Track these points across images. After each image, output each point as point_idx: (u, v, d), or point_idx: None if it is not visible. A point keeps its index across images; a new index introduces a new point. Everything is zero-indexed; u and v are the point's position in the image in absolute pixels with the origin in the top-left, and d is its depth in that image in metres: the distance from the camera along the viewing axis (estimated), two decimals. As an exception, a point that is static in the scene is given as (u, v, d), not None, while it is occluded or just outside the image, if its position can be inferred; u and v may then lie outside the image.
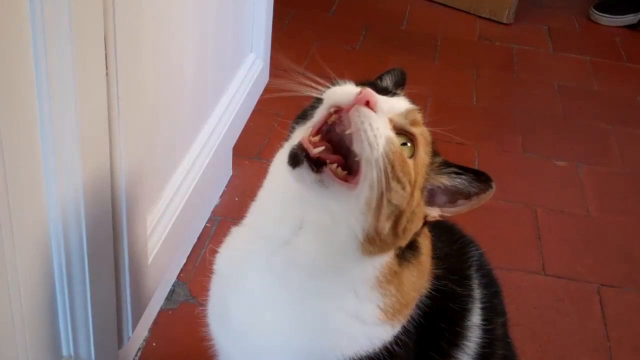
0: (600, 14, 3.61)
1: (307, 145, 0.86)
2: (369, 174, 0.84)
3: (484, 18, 3.50)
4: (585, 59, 3.25)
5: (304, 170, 0.86)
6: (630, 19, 3.59)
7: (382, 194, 0.86)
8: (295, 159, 0.86)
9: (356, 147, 0.85)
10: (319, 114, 0.89)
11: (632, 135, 2.71)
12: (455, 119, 2.62)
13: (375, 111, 0.86)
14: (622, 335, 1.78)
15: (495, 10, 3.47)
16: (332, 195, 0.87)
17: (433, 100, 2.72)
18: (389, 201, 0.87)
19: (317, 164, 0.86)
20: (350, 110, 0.85)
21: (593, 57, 3.27)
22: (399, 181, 0.87)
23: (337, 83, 0.93)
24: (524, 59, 3.19)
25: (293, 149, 0.87)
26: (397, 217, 0.89)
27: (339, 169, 0.86)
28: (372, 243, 0.90)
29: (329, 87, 0.91)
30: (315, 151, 0.86)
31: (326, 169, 0.86)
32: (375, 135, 0.84)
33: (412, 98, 1.00)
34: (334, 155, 0.87)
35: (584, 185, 2.36)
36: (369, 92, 0.86)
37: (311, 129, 0.88)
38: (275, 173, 0.98)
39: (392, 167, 0.86)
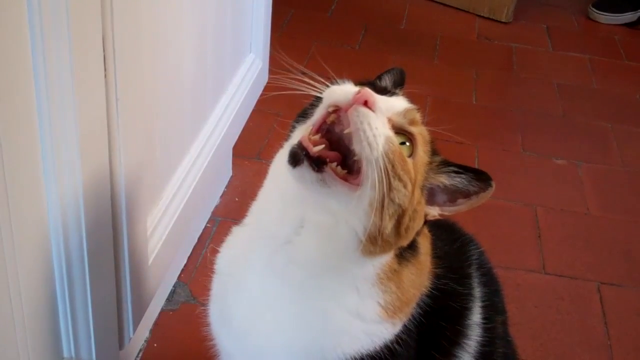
0: (599, 12, 3.61)
1: (307, 143, 0.86)
2: (370, 174, 0.85)
3: (483, 17, 3.50)
4: (584, 57, 3.25)
5: (305, 169, 0.86)
6: (629, 16, 3.59)
7: (385, 193, 0.86)
8: (295, 158, 0.86)
9: (355, 147, 0.85)
10: (318, 113, 0.89)
11: (631, 134, 2.71)
12: (454, 118, 2.62)
13: (373, 111, 0.86)
14: (623, 333, 1.78)
15: (494, 9, 3.47)
16: (333, 194, 0.87)
17: (432, 100, 2.72)
18: (392, 200, 0.87)
19: (317, 163, 0.86)
20: (349, 110, 0.85)
21: (592, 55, 3.27)
22: (400, 179, 0.87)
23: (336, 82, 0.93)
24: (523, 58, 3.19)
25: (293, 147, 0.87)
26: (400, 216, 0.89)
27: (339, 167, 0.86)
28: (374, 243, 0.90)
29: (328, 87, 0.91)
30: (316, 149, 0.86)
31: (327, 168, 0.86)
32: (374, 135, 0.84)
33: (412, 97, 1.00)
34: (332, 152, 0.87)
35: (583, 183, 2.36)
36: (368, 91, 0.86)
37: (311, 127, 0.89)
38: (276, 173, 0.98)
39: (393, 166, 0.86)
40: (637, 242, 2.13)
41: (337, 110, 0.87)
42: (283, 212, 0.95)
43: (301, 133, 0.90)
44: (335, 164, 0.86)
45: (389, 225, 0.89)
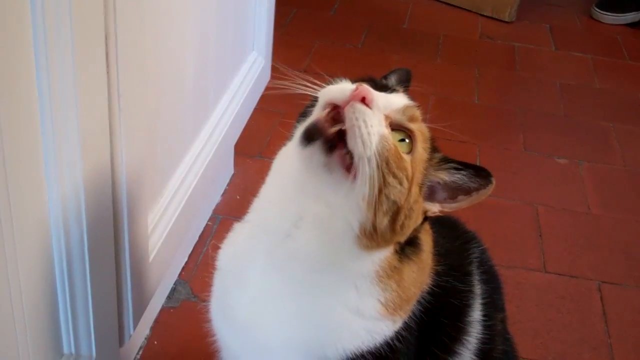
0: (602, 12, 3.61)
1: (322, 123, 0.86)
2: (363, 170, 0.85)
3: (486, 16, 3.50)
4: (587, 57, 3.25)
5: (316, 149, 0.86)
6: (632, 16, 3.59)
7: (380, 189, 0.86)
8: (310, 135, 0.87)
9: (349, 143, 0.85)
10: (315, 113, 0.90)
11: (633, 133, 2.70)
12: (457, 116, 2.61)
13: (370, 107, 0.86)
14: (623, 332, 1.78)
15: (497, 9, 3.47)
16: (332, 183, 0.88)
17: (435, 98, 2.72)
18: (387, 197, 0.87)
19: (330, 145, 0.86)
20: (345, 107, 0.85)
21: (595, 55, 3.27)
22: (395, 177, 0.87)
23: (332, 81, 0.93)
24: (526, 57, 3.19)
25: (309, 126, 0.87)
26: (395, 213, 0.89)
27: (348, 155, 0.86)
28: (370, 238, 0.90)
29: (324, 86, 0.92)
30: (332, 130, 0.86)
31: (336, 153, 0.86)
32: (369, 133, 0.84)
33: (414, 96, 1.00)
34: (341, 142, 0.87)
35: (585, 182, 2.36)
36: (365, 88, 0.87)
37: (328, 109, 0.88)
38: (278, 169, 0.99)
39: (387, 163, 0.86)
40: (638, 241, 2.13)
41: (336, 108, 0.87)
42: (283, 205, 0.95)
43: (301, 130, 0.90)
44: (345, 150, 0.86)
45: (383, 221, 0.89)
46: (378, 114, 0.88)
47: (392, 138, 0.89)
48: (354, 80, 0.94)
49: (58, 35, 0.90)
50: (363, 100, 0.86)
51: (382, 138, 0.86)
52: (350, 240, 0.90)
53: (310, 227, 0.92)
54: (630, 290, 1.92)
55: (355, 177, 0.86)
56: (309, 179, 0.90)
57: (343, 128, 0.86)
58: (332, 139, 0.86)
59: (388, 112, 0.90)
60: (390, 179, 0.87)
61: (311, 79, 0.92)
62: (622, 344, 1.75)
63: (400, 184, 0.88)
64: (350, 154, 0.86)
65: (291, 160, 0.92)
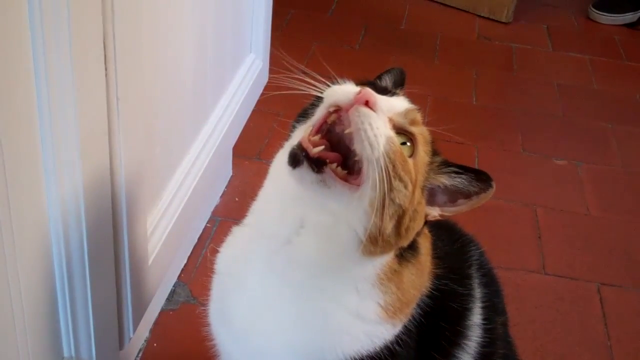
0: (599, 12, 3.61)
1: (306, 144, 0.86)
2: (371, 174, 0.84)
3: (483, 17, 3.50)
4: (584, 57, 3.25)
5: (304, 170, 0.86)
6: (629, 17, 3.59)
7: (385, 193, 0.86)
8: (295, 159, 0.86)
9: (357, 147, 0.85)
10: (319, 113, 0.89)
11: (631, 134, 2.71)
12: (454, 118, 2.62)
13: (374, 111, 0.86)
14: (623, 334, 1.78)
15: (494, 9, 3.47)
16: (333, 195, 0.87)
17: (433, 100, 2.72)
18: (392, 200, 0.87)
19: (317, 164, 0.86)
20: (350, 110, 0.85)
21: (592, 55, 3.27)
22: (401, 180, 0.87)
23: (337, 82, 0.93)
24: (524, 58, 3.19)
25: (293, 149, 0.87)
26: (400, 217, 0.89)
27: (339, 168, 0.86)
28: (375, 243, 0.89)
29: (328, 86, 0.91)
30: (315, 150, 0.86)
31: (327, 169, 0.86)
32: (375, 135, 0.84)
33: (412, 97, 1.00)
34: (332, 153, 0.87)
35: (583, 184, 2.36)
36: (369, 91, 0.86)
37: (311, 128, 0.88)
38: (276, 173, 0.98)
39: (394, 166, 0.86)
40: (637, 242, 2.13)
41: (337, 110, 0.87)
42: (283, 212, 0.95)
43: (301, 133, 0.90)
44: (335, 164, 0.86)
45: (389, 226, 0.89)
46: (382, 117, 0.87)
47: None
48: (356, 83, 0.94)
49: (56, 39, 0.90)
50: (366, 104, 0.86)
51: (388, 140, 0.86)
52: (354, 246, 0.90)
53: (312, 234, 0.92)
54: (629, 291, 1.92)
55: (358, 184, 0.86)
56: (306, 194, 0.90)
57: (347, 131, 0.85)
58: (318, 159, 0.86)
59: (390, 115, 0.90)
60: (396, 183, 0.87)
61: (316, 75, 0.92)
62: (621, 346, 1.75)
63: (405, 187, 0.88)
64: (342, 166, 0.86)
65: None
